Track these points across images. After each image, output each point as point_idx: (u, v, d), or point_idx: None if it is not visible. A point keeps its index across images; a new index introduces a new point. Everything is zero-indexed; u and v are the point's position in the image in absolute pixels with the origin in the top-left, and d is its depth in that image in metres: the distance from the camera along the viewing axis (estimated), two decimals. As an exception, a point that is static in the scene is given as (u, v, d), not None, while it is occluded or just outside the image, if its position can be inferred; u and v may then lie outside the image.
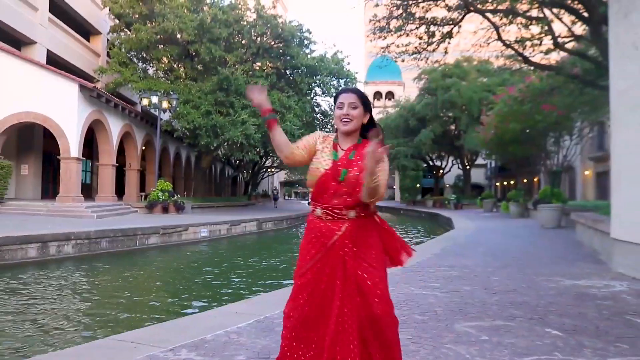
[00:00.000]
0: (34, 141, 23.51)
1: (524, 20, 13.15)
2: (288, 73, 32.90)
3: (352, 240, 2.42)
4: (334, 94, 2.48)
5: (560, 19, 13.72)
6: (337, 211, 2.45)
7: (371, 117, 2.60)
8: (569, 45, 15.57)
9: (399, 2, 13.17)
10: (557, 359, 3.25)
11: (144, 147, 28.61)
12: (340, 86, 33.32)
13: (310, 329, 2.41)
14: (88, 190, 26.41)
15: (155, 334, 3.84)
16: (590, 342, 3.66)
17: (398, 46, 14.49)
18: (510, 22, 13.29)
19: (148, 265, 12.42)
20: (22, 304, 7.43)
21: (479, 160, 51.64)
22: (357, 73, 34.18)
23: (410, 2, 13.06)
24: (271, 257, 14.68)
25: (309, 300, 2.41)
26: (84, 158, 22.21)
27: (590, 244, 10.49)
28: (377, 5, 14.07)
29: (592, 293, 5.58)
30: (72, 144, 20.16)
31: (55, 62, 23.81)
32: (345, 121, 2.50)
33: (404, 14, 13.41)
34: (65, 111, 20.04)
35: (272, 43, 30.63)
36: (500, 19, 13.43)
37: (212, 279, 10.49)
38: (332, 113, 35.39)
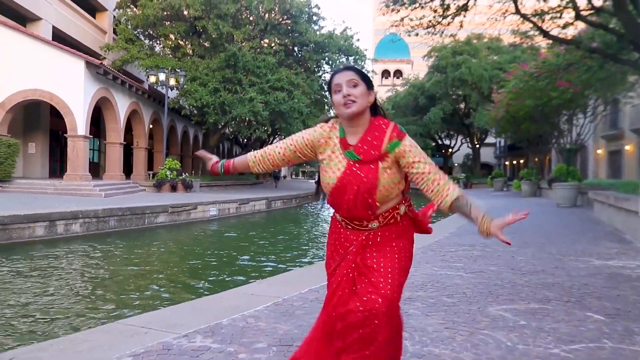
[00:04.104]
0: (41, 119, 23.26)
1: (544, -11, 12.65)
2: (296, 50, 32.34)
3: (364, 254, 2.11)
4: (328, 80, 2.16)
5: (580, -10, 13.21)
6: (357, 222, 2.13)
7: (375, 98, 2.14)
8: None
9: (414, -27, 12.69)
10: (609, 347, 2.97)
11: (151, 125, 28.32)
12: (349, 63, 32.73)
13: None
14: (96, 169, 26.22)
15: (167, 318, 3.57)
16: (639, 328, 3.37)
17: (412, 19, 14.01)
18: (529, -8, 12.81)
19: (157, 244, 12.19)
20: (28, 284, 7.23)
21: (488, 139, 51.14)
22: (366, 50, 33.48)
23: (426, -27, 12.58)
24: (283, 235, 14.46)
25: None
26: (92, 136, 21.96)
27: (611, 222, 10.16)
28: (390, -23, 13.58)
29: (626, 274, 5.28)
30: (79, 121, 19.89)
31: (60, 39, 23.45)
32: (348, 103, 2.03)
33: (418, -14, 12.95)
34: (71, 88, 19.73)
35: (280, 19, 30.08)
36: (519, -11, 12.91)
37: (224, 258, 10.26)
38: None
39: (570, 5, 12.19)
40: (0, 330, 5.09)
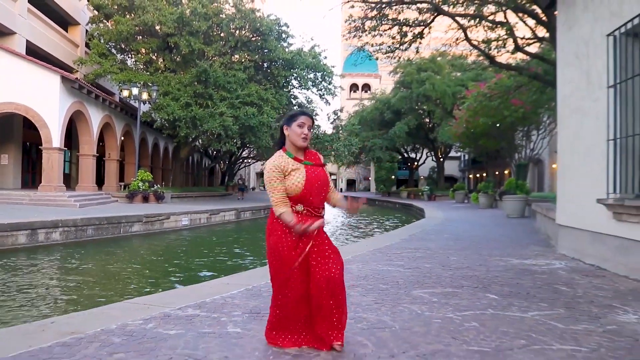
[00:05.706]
0: (14, 131, 23.76)
1: (489, 23, 14.06)
2: (266, 66, 33.47)
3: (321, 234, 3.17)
4: (292, 113, 3.20)
5: (524, 22, 14.67)
6: (316, 210, 3.16)
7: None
8: (534, 45, 16.56)
9: (373, 5, 13.96)
10: (489, 313, 4.11)
11: (122, 138, 28.97)
12: (317, 79, 34.12)
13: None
14: (68, 180, 26.70)
15: (162, 298, 4.61)
16: (519, 302, 4.53)
17: (372, 45, 15.31)
18: (477, 25, 14.19)
19: (135, 251, 13.03)
20: (33, 280, 8.08)
21: (453, 153, 52.96)
22: (333, 67, 34.86)
23: (384, 5, 13.85)
24: (250, 242, 15.44)
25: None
26: (65, 148, 22.57)
27: (545, 230, 11.48)
28: (352, 6, 14.83)
29: (534, 269, 6.48)
30: (54, 134, 20.54)
31: (34, 53, 24.03)
32: (304, 139, 3.14)
33: (378, 16, 14.21)
34: (47, 102, 20.40)
35: (251, 36, 31.18)
36: (468, 21, 14.32)
37: (197, 262, 11.20)
38: (309, 105, 35.84)
39: (510, 36, 13.60)
40: (32, 306, 5.99)
